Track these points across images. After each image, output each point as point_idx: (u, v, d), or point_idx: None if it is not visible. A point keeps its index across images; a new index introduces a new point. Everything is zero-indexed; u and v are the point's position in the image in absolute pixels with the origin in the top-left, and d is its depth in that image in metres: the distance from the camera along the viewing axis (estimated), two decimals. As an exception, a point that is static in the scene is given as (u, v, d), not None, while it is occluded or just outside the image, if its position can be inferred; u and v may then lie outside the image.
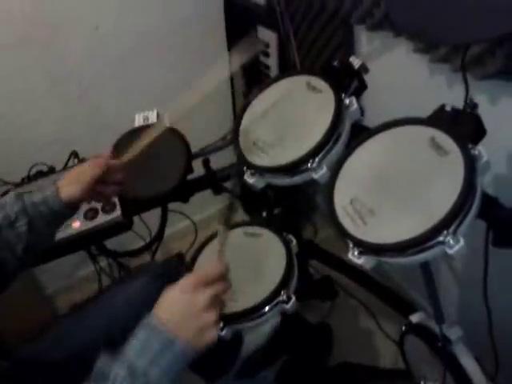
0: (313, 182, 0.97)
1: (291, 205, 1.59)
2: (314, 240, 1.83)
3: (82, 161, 1.33)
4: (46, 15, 1.56)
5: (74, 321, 1.14)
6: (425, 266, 1.02)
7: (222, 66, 0.99)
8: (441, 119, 0.88)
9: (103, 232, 1.18)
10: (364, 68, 1.05)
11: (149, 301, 0.78)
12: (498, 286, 1.02)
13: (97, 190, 0.95)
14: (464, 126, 0.87)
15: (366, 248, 0.80)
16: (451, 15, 0.59)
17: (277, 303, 1.03)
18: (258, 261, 1.11)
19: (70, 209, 0.92)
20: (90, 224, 1.17)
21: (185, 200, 1.31)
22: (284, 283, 1.05)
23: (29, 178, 1.33)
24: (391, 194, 0.84)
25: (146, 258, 1.74)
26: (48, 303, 2.02)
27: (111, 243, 1.47)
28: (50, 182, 0.93)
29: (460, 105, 0.91)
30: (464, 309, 1.52)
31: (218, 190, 1.38)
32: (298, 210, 1.89)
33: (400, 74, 1.27)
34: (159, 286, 1.12)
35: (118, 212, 1.18)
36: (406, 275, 1.70)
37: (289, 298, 1.04)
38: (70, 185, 0.91)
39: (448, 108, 0.89)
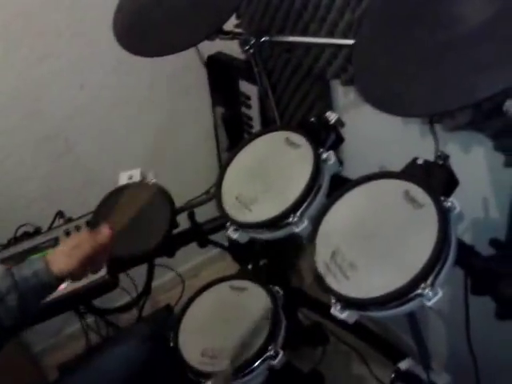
0: (296, 234, 0.99)
1: (278, 254, 1.61)
2: (301, 287, 1.83)
3: (68, 220, 1.34)
4: (31, 76, 1.61)
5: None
6: (410, 315, 1.03)
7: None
8: (414, 172, 0.92)
9: (90, 292, 1.18)
10: (340, 122, 1.08)
11: (137, 367, 0.77)
12: (482, 331, 1.04)
13: (87, 263, 0.95)
14: (436, 178, 0.90)
15: (347, 303, 0.81)
16: (412, 89, 0.63)
17: (264, 359, 1.03)
18: (244, 316, 1.11)
19: (60, 281, 0.92)
20: (76, 285, 1.16)
21: (170, 255, 1.32)
22: (271, 339, 1.05)
23: (15, 239, 1.34)
24: (370, 248, 0.86)
25: (133, 312, 1.73)
26: (35, 362, 1.98)
27: (97, 300, 1.46)
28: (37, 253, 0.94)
29: (433, 155, 0.95)
30: (451, 354, 1.52)
31: (203, 243, 1.39)
32: (285, 258, 1.90)
33: (375, 125, 1.31)
34: (147, 350, 1.13)
35: (103, 271, 1.18)
36: (396, 319, 1.71)
37: (276, 353, 1.04)
38: (61, 259, 0.90)
39: (420, 161, 0.93)
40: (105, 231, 0.96)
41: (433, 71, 0.60)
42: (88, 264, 0.94)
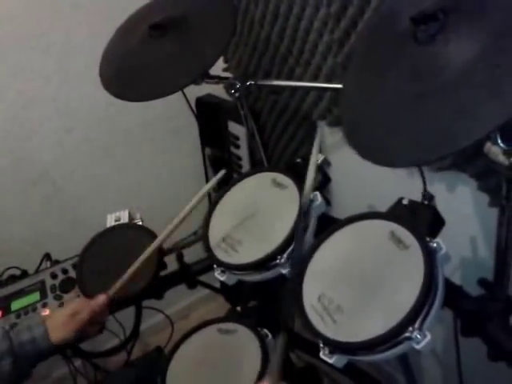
0: (283, 276, 0.98)
1: (269, 296, 1.59)
2: (293, 328, 1.80)
3: (54, 263, 1.33)
4: (19, 120, 1.62)
5: None
6: (401, 357, 1.02)
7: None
8: (399, 212, 0.92)
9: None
10: (326, 162, 1.09)
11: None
12: (475, 373, 1.02)
13: (84, 329, 0.97)
14: (422, 218, 0.90)
15: (335, 347, 0.80)
16: (393, 139, 0.64)
17: (254, 405, 1.00)
18: (232, 360, 1.09)
19: (57, 349, 0.94)
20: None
21: (159, 297, 1.30)
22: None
23: (1, 283, 1.32)
24: (357, 290, 0.85)
25: (122, 355, 1.69)
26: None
27: (85, 343, 1.43)
28: (35, 316, 1.01)
29: (420, 195, 0.95)
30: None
31: (192, 284, 1.37)
32: (276, 300, 1.88)
33: (362, 165, 1.32)
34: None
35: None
36: (391, 361, 1.68)
37: (266, 399, 1.01)
38: (60, 328, 0.93)
39: (405, 201, 0.93)
40: (102, 299, 1.00)
41: (412, 121, 0.62)
42: (85, 330, 0.97)
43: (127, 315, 1.51)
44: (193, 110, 1.68)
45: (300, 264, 0.94)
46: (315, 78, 1.22)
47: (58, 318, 0.95)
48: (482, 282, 0.91)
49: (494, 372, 1.02)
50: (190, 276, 1.35)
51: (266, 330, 1.15)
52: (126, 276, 1.04)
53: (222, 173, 1.11)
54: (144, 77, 1.10)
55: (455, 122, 0.58)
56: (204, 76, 1.12)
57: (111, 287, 1.04)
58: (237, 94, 1.15)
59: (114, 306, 1.14)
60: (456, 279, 0.91)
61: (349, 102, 0.80)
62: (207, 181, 1.95)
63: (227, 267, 1.01)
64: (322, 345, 0.82)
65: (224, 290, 1.71)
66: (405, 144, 0.62)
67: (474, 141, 0.57)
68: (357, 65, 0.84)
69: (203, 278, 1.41)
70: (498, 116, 0.56)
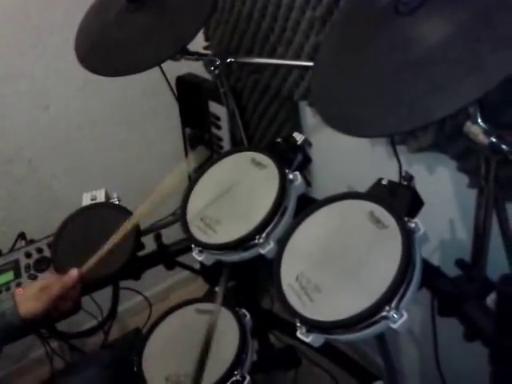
0: (262, 256, 0.97)
1: (247, 276, 1.58)
2: (272, 309, 1.81)
3: (30, 242, 1.30)
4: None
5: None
6: (378, 337, 1.02)
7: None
8: (379, 193, 0.92)
9: (52, 315, 1.14)
10: (307, 142, 1.08)
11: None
12: (450, 353, 1.03)
13: (55, 306, 0.94)
14: (401, 199, 0.90)
15: (312, 326, 0.79)
16: (368, 110, 0.63)
17: (230, 384, 1.00)
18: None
19: (27, 324, 0.90)
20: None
21: (136, 277, 1.28)
22: (237, 363, 1.02)
23: (-27, 263, 1.28)
24: (335, 269, 0.85)
25: (100, 336, 1.68)
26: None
27: (62, 323, 1.42)
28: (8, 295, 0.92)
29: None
30: (422, 376, 1.52)
31: (171, 265, 1.36)
32: (255, 280, 1.88)
33: (343, 146, 1.32)
34: (110, 376, 1.10)
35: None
36: (367, 341, 1.69)
37: (243, 378, 1.01)
38: (29, 301, 0.90)
39: (385, 181, 0.93)
40: (73, 274, 0.97)
41: (388, 93, 0.61)
42: (56, 305, 0.94)
43: (105, 296, 1.50)
44: (172, 89, 1.66)
45: (278, 243, 0.93)
46: (297, 57, 1.20)
47: (28, 292, 0.92)
48: (459, 263, 0.91)
49: (470, 352, 1.04)
50: (168, 257, 1.34)
51: (244, 310, 1.15)
52: (100, 252, 1.01)
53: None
54: (120, 51, 1.07)
55: (430, 95, 0.57)
56: (183, 52, 1.09)
57: (84, 266, 1.02)
58: (216, 72, 1.13)
59: (91, 285, 1.12)
60: (434, 260, 0.91)
61: (322, 76, 0.79)
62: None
63: (205, 247, 0.99)
64: (298, 324, 0.81)
65: (203, 270, 1.70)
66: (378, 114, 0.61)
67: (446, 114, 0.56)
68: (332, 39, 0.82)
69: (183, 259, 1.40)
70: (473, 91, 0.55)
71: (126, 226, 1.04)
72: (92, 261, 1.01)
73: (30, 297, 0.91)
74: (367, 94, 0.63)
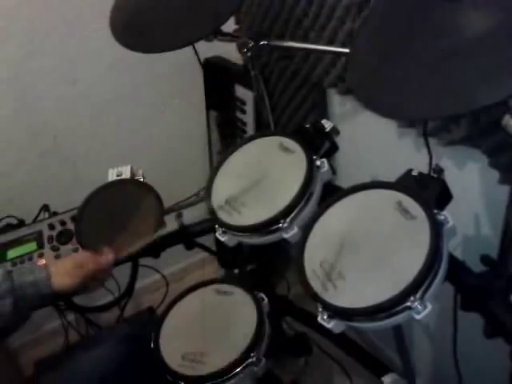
0: (285, 240, 0.97)
1: (265, 261, 1.59)
2: (287, 296, 1.81)
3: (53, 214, 1.31)
4: (21, 70, 1.58)
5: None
6: (396, 328, 1.02)
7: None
8: (408, 184, 0.91)
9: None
10: (335, 130, 1.07)
11: (114, 367, 0.76)
12: (468, 349, 1.03)
13: (87, 283, 0.95)
14: (430, 191, 0.89)
15: (335, 312, 0.79)
16: (408, 93, 0.62)
17: (246, 366, 1.01)
18: (227, 321, 1.09)
19: (56, 297, 0.92)
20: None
21: (156, 255, 1.30)
22: (254, 345, 1.03)
23: (-3, 231, 1.31)
24: (360, 257, 0.84)
25: (115, 312, 1.70)
26: (12, 357, 1.94)
27: (79, 297, 1.44)
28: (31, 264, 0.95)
29: (426, 169, 0.94)
30: (437, 370, 1.51)
31: (190, 246, 1.37)
32: (273, 266, 1.88)
33: (370, 136, 1.31)
34: (125, 350, 1.11)
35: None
36: (382, 334, 1.69)
37: (259, 361, 1.02)
38: (63, 276, 0.91)
39: (415, 173, 0.92)
40: (109, 257, 0.98)
41: (432, 77, 0.60)
42: (87, 283, 0.95)
43: (123, 272, 1.52)
44: (203, 68, 1.65)
45: (303, 230, 0.93)
46: (330, 44, 1.19)
47: (63, 266, 0.93)
48: (484, 259, 0.90)
49: (488, 350, 1.03)
50: (188, 237, 1.35)
51: (262, 294, 1.15)
52: (134, 248, 1.04)
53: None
54: (155, 29, 1.06)
55: (477, 81, 0.56)
56: (216, 32, 1.09)
57: (122, 251, 1.03)
58: (249, 54, 1.12)
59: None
60: (458, 255, 0.91)
61: (361, 62, 0.78)
62: (210, 143, 1.92)
63: (229, 228, 1.00)
64: (320, 309, 0.81)
65: (220, 253, 1.71)
66: (420, 98, 0.60)
67: (493, 101, 0.55)
68: (372, 26, 0.81)
69: (201, 240, 1.41)
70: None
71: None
72: (127, 251, 1.03)
73: (64, 271, 0.92)
74: (410, 78, 0.62)
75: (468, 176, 1.04)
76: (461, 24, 0.60)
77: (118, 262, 1.03)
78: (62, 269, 0.92)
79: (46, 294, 0.88)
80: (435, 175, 0.92)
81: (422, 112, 0.60)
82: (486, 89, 0.54)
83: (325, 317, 0.81)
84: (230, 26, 1.59)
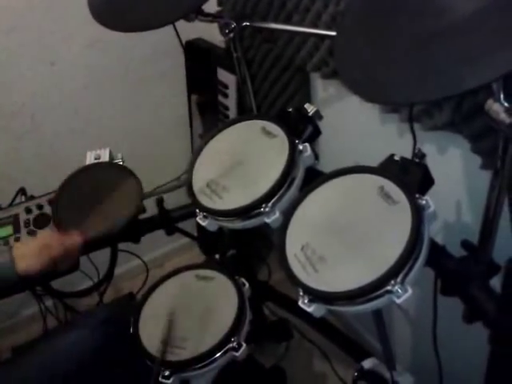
0: (266, 225, 0.96)
1: (246, 246, 1.58)
2: (268, 281, 1.82)
3: (30, 198, 1.28)
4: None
5: (14, 370, 1.07)
6: (376, 313, 1.02)
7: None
8: (390, 168, 0.90)
9: (48, 273, 1.13)
10: (318, 115, 1.06)
11: (93, 351, 0.75)
12: (448, 334, 1.04)
13: (54, 265, 0.92)
14: (412, 176, 0.89)
15: (315, 296, 0.79)
16: (397, 77, 0.61)
17: (227, 350, 1.01)
18: (208, 306, 1.08)
19: (24, 281, 0.89)
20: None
21: (136, 240, 1.28)
22: (234, 330, 1.02)
23: (-29, 215, 1.27)
24: (341, 242, 0.84)
25: (94, 298, 1.68)
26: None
27: (57, 282, 1.41)
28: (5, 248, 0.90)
29: (410, 153, 0.94)
30: (416, 355, 1.53)
31: (171, 231, 1.35)
32: (254, 251, 1.88)
33: (353, 121, 1.30)
34: (104, 335, 1.10)
35: (63, 252, 1.12)
36: (362, 318, 1.71)
37: (239, 345, 1.02)
38: (29, 258, 0.88)
39: (397, 157, 0.92)
40: (76, 238, 0.96)
41: (418, 60, 0.59)
42: (53, 265, 0.92)
43: (102, 257, 1.50)
44: (184, 51, 1.62)
45: (285, 214, 0.92)
46: (314, 26, 1.17)
47: (27, 248, 0.91)
48: (465, 244, 0.91)
49: (467, 334, 1.04)
50: (169, 222, 1.33)
51: (243, 279, 1.15)
52: (102, 229, 1.02)
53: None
54: (135, 7, 1.03)
55: (462, 64, 0.55)
56: (197, 12, 1.06)
57: (88, 230, 1.01)
58: (231, 35, 1.10)
59: (90, 246, 1.11)
60: (439, 240, 0.91)
61: (347, 43, 0.76)
62: (191, 127, 1.90)
63: (210, 213, 0.98)
64: (301, 293, 0.81)
65: (201, 238, 1.70)
66: (408, 82, 0.59)
67: (480, 84, 0.54)
68: (357, 7, 0.80)
69: (181, 226, 1.39)
70: (506, 65, 0.53)
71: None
72: (94, 231, 1.00)
73: (29, 253, 0.90)
74: (396, 60, 0.61)
75: (450, 161, 1.04)
76: (446, 5, 0.58)
77: (90, 247, 1.01)
78: (27, 250, 0.90)
79: (10, 277, 0.86)
80: (417, 160, 0.92)
81: (407, 97, 0.59)
82: (472, 72, 0.53)
83: (305, 301, 0.80)
84: (212, 6, 1.56)
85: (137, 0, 1.05)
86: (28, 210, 1.22)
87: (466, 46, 0.55)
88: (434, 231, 0.86)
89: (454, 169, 1.04)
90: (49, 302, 1.76)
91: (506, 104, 0.67)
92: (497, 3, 0.54)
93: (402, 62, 0.60)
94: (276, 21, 1.31)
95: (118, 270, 1.59)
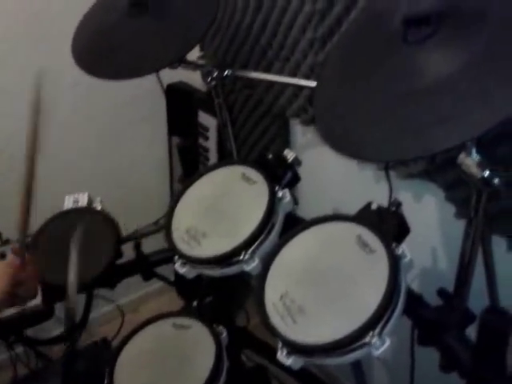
0: (245, 272, 0.96)
1: (225, 292, 1.56)
2: (247, 327, 1.78)
3: (5, 242, 1.26)
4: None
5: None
6: (355, 363, 1.01)
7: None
8: (367, 217, 0.91)
9: (22, 321, 1.10)
10: (297, 161, 1.08)
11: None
12: (425, 382, 1.03)
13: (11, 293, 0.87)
14: (389, 224, 0.90)
15: (294, 348, 0.78)
16: (369, 133, 0.63)
17: (203, 402, 0.98)
18: (185, 357, 1.05)
19: None
20: (7, 312, 1.08)
21: (112, 286, 1.25)
22: (211, 380, 1.00)
23: None
24: (320, 291, 0.84)
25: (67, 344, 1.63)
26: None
27: (30, 329, 1.37)
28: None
29: (387, 198, 0.95)
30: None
31: (148, 276, 1.33)
32: (232, 297, 1.85)
33: (331, 167, 1.32)
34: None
35: (38, 299, 1.09)
36: (341, 367, 1.68)
37: (216, 396, 0.99)
38: None
39: (374, 206, 0.93)
40: (30, 268, 0.91)
41: (393, 119, 0.61)
42: (13, 292, 0.87)
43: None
44: (165, 94, 1.64)
45: (264, 262, 0.92)
46: (293, 75, 1.20)
47: None
48: (441, 293, 0.91)
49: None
50: (146, 267, 1.31)
51: (221, 327, 1.13)
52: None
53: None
54: (119, 55, 1.05)
55: (435, 125, 0.57)
56: (181, 60, 1.08)
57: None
58: (213, 83, 1.12)
59: (64, 292, 1.09)
60: (415, 287, 0.91)
61: (325, 96, 0.79)
62: (171, 170, 1.90)
63: (189, 260, 0.97)
64: (280, 345, 0.80)
65: (179, 283, 1.67)
66: (382, 140, 0.61)
67: (450, 146, 0.56)
68: (336, 61, 0.83)
69: (159, 270, 1.37)
70: (477, 126, 0.55)
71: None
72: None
73: None
74: (372, 118, 0.63)
75: (425, 209, 1.06)
76: (421, 66, 0.61)
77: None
78: None
79: None
80: (393, 209, 0.93)
81: (382, 154, 0.61)
82: (445, 133, 0.55)
83: (284, 353, 0.80)
84: (193, 52, 1.59)
85: (121, 48, 1.07)
86: (2, 255, 1.19)
87: (438, 108, 0.56)
88: (410, 279, 0.87)
89: (430, 216, 1.06)
90: (19, 349, 1.69)
91: (477, 158, 0.69)
92: (467, 70, 0.56)
93: (377, 119, 0.62)
94: (257, 68, 1.34)
95: (92, 315, 1.55)
